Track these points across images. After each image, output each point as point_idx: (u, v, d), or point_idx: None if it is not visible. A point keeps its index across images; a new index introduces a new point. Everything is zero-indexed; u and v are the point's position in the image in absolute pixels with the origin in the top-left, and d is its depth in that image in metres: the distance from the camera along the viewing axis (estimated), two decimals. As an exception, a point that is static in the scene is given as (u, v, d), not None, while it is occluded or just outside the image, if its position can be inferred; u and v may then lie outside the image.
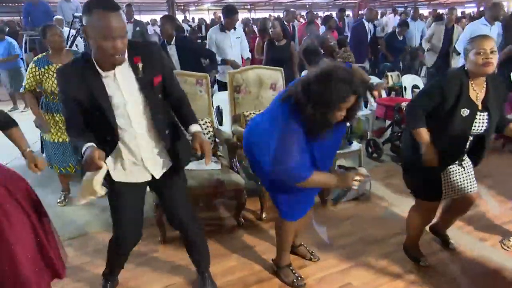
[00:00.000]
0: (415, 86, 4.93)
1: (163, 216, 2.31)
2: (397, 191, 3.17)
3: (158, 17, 16.72)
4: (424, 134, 1.97)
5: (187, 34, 8.19)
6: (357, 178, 1.68)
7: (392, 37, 6.30)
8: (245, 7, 23.78)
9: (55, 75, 2.67)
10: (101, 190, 1.44)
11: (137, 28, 5.64)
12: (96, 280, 2.13)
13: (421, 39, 6.43)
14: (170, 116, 1.75)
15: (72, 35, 5.27)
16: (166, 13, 10.66)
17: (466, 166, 2.11)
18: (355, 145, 3.47)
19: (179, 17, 16.53)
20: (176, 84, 1.75)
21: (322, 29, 7.02)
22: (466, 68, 1.93)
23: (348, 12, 14.31)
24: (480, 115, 1.94)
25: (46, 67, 2.76)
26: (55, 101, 2.81)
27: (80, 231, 2.73)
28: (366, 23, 6.49)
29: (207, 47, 4.28)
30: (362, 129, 4.54)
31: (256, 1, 21.51)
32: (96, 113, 1.52)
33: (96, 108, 1.51)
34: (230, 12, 4.17)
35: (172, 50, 3.78)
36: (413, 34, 6.45)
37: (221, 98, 3.80)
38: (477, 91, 1.93)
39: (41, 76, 2.78)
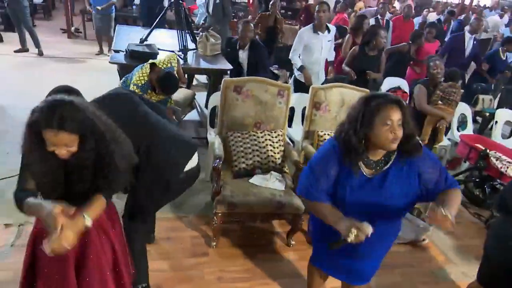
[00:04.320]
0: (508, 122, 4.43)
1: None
2: (459, 245, 2.99)
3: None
4: None
5: None
6: (353, 230, 1.39)
7: (494, 56, 5.43)
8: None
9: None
10: None
11: (217, 1, 5.28)
12: None
13: None
14: None
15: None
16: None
17: None
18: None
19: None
20: None
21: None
22: None
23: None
24: None
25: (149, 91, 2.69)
26: None
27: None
28: (467, 36, 5.36)
29: (293, 45, 3.93)
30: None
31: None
32: None
33: None
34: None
35: (243, 55, 3.60)
36: None
37: (296, 100, 3.68)
38: None
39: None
